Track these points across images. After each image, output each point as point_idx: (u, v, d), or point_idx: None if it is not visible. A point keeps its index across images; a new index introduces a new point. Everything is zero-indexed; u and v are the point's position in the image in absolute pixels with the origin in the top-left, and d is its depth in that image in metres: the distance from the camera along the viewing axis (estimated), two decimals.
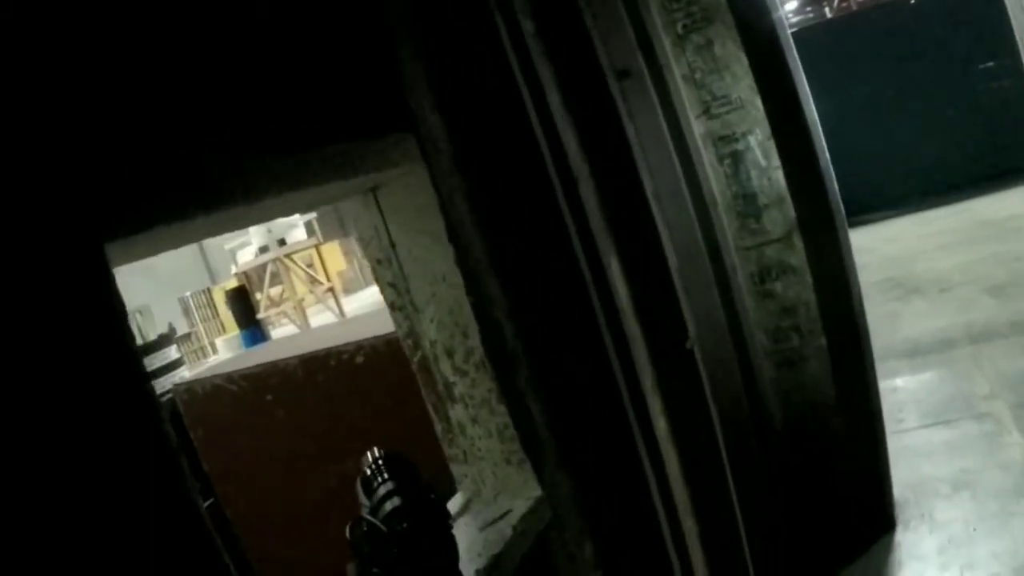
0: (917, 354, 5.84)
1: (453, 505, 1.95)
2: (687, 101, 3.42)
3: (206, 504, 5.28)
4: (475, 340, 1.83)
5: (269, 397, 3.91)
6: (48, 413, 0.93)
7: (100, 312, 1.02)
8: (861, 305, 3.55)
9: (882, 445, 3.68)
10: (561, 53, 2.46)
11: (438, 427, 1.96)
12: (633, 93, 3.05)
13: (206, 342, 13.03)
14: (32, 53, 1.04)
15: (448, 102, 1.88)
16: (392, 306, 1.93)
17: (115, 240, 1.09)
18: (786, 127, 3.34)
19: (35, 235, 0.96)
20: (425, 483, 1.35)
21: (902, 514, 3.78)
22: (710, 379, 3.00)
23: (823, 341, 3.43)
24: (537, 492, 1.86)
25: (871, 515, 3.63)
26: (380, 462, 1.36)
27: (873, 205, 11.61)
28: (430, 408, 1.97)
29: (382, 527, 1.24)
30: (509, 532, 1.71)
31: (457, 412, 1.91)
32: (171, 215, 1.20)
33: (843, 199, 3.58)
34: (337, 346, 3.46)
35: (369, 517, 1.27)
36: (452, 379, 1.89)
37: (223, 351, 11.50)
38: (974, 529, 3.51)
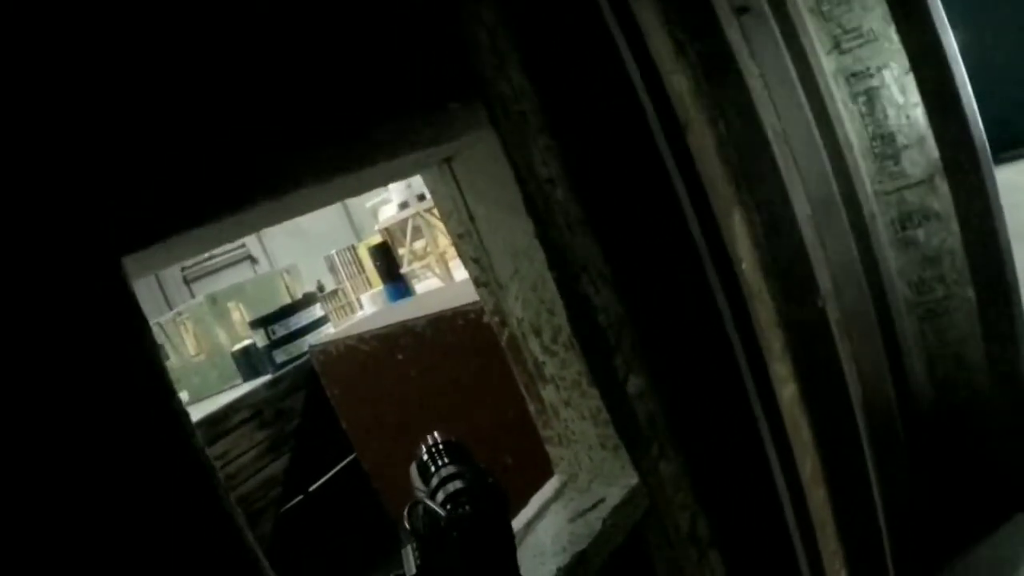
0: None
1: (549, 488, 1.86)
2: (815, 36, 3.18)
3: (346, 461, 5.40)
4: (562, 318, 1.70)
5: (400, 356, 3.94)
6: (74, 427, 0.92)
7: (120, 324, 1.00)
8: (1010, 253, 3.25)
9: None
10: None
11: (532, 408, 1.86)
12: (754, 30, 2.84)
13: (353, 298, 13.31)
14: (45, 63, 1.01)
15: (533, 56, 1.76)
16: (477, 282, 1.83)
17: (132, 253, 1.06)
18: (925, 60, 3.06)
19: (54, 252, 0.96)
20: (483, 468, 1.33)
21: None
22: (847, 335, 2.82)
23: (970, 293, 3.17)
24: (634, 479, 1.73)
25: (1015, 485, 3.34)
26: (439, 447, 1.34)
27: (1020, 139, 10.65)
28: (522, 388, 1.87)
29: (440, 511, 1.21)
30: (598, 526, 1.60)
31: (549, 393, 1.80)
32: (202, 219, 1.15)
33: (987, 134, 3.27)
34: (464, 305, 3.47)
35: (427, 501, 1.24)
36: (542, 359, 1.78)
37: (368, 306, 11.77)
38: None
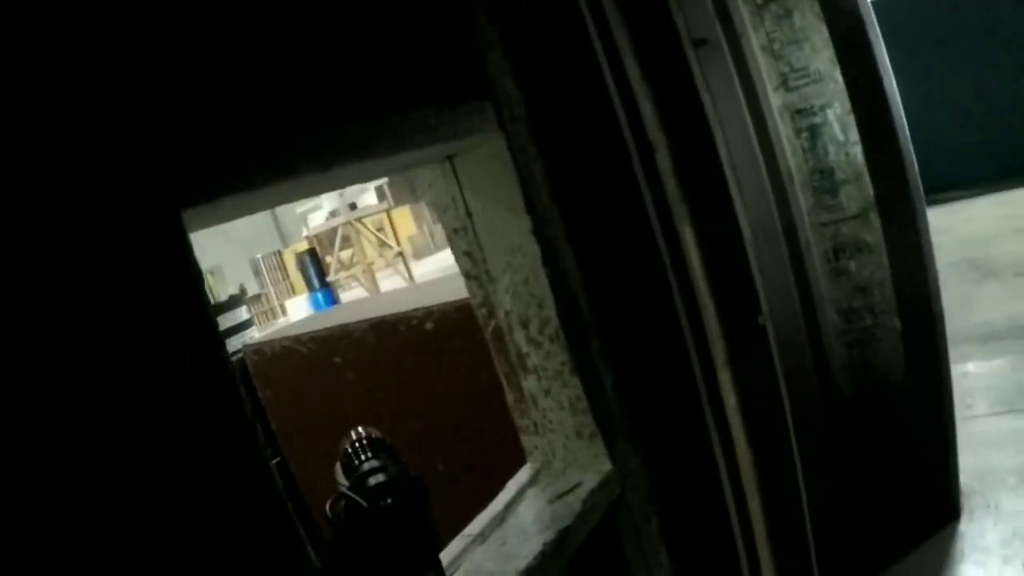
0: (991, 339, 5.60)
1: (523, 475, 1.95)
2: (765, 72, 3.35)
3: (272, 462, 5.36)
4: (550, 311, 1.81)
5: (338, 360, 3.92)
6: (125, 376, 0.96)
7: (177, 276, 1.06)
8: (937, 287, 3.46)
9: (951, 432, 3.59)
10: (638, 20, 2.42)
11: (510, 397, 1.96)
12: (710, 63, 2.99)
13: (276, 303, 13.22)
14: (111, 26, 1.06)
15: (524, 69, 1.86)
16: (467, 275, 1.92)
17: (191, 207, 1.12)
18: (866, 102, 3.26)
19: (118, 202, 1.00)
20: (405, 463, 1.34)
21: (967, 504, 3.65)
22: (781, 356, 2.96)
23: (896, 323, 3.36)
24: (607, 466, 1.84)
25: (935, 502, 3.54)
26: (363, 441, 1.35)
27: (951, 184, 11.21)
28: (503, 378, 1.96)
29: (363, 502, 1.23)
30: (578, 506, 1.70)
31: (530, 383, 1.90)
32: (245, 184, 1.22)
33: (920, 177, 3.48)
34: (407, 311, 3.46)
35: (350, 492, 1.25)
36: (526, 350, 1.88)
37: (292, 313, 11.70)
38: None
